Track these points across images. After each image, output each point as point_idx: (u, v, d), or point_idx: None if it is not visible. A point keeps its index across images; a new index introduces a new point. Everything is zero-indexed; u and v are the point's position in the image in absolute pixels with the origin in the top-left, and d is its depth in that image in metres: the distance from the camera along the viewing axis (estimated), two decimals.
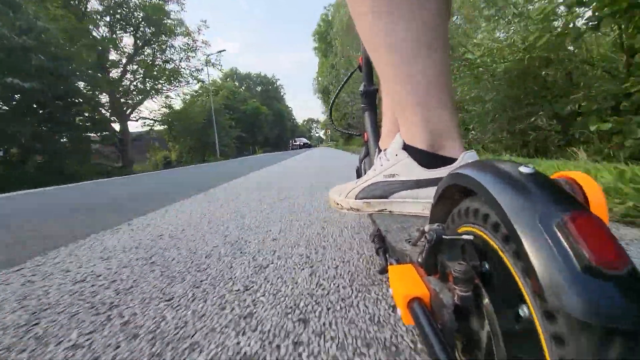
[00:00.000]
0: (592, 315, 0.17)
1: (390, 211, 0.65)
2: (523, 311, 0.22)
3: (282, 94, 60.60)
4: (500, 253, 0.25)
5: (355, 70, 1.16)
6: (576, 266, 0.18)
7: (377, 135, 1.01)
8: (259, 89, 54.43)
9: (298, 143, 42.51)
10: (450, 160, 0.57)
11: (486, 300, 0.27)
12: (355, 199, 0.71)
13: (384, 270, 0.56)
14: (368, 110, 1.09)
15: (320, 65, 22.19)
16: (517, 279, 0.23)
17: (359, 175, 1.12)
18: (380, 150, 0.85)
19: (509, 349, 0.24)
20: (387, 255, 0.57)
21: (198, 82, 20.91)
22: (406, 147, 0.61)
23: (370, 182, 0.69)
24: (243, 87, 49.27)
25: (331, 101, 1.29)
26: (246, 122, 36.73)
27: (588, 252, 0.17)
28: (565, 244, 0.18)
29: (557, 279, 0.18)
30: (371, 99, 1.09)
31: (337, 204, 0.77)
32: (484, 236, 0.28)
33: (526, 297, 0.22)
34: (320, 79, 23.10)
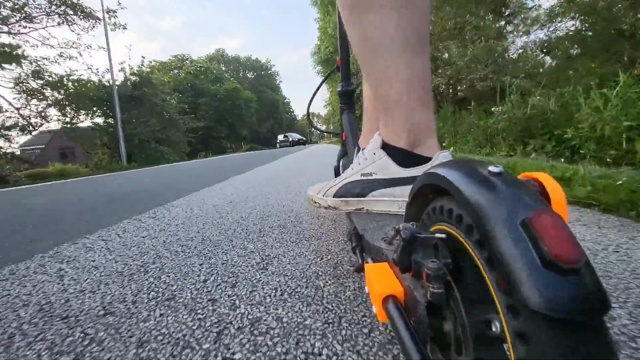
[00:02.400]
0: (550, 308, 0.18)
1: (367, 209, 0.66)
2: (490, 306, 0.23)
3: (277, 82, 49.84)
4: (470, 250, 0.26)
5: (334, 71, 1.16)
6: (537, 261, 0.19)
7: (355, 134, 1.02)
8: (250, 75, 45.32)
9: (289, 139, 31.18)
10: (426, 160, 0.59)
11: (457, 297, 0.28)
12: (334, 197, 0.71)
13: (360, 269, 0.56)
14: (346, 109, 1.10)
15: (322, 29, 18.59)
16: (484, 274, 0.24)
17: (337, 174, 1.12)
18: (359, 149, 0.85)
19: (476, 344, 0.25)
20: (363, 254, 0.58)
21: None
22: (385, 146, 0.62)
23: (348, 180, 0.69)
24: (227, 73, 40.65)
25: (309, 99, 1.29)
26: (219, 109, 28.82)
27: (548, 248, 0.18)
28: (528, 240, 0.19)
29: (520, 274, 0.19)
30: (349, 98, 1.10)
31: (315, 202, 0.77)
32: (455, 234, 0.29)
33: (493, 292, 0.23)
34: (321, 47, 19.49)
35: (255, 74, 45.80)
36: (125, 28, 13.27)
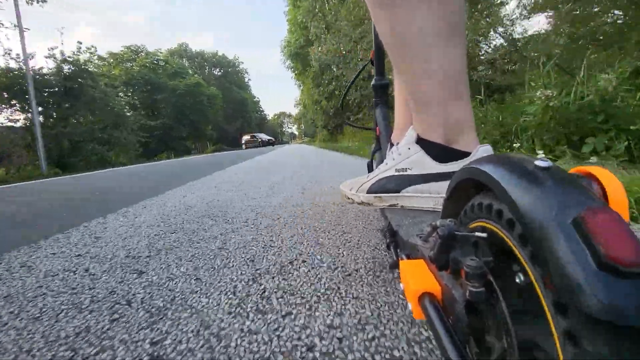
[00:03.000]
0: (606, 313, 0.16)
1: (401, 206, 0.65)
2: (536, 308, 0.22)
3: (246, 79, 46.19)
4: (514, 249, 0.25)
5: (368, 64, 1.15)
6: (591, 263, 0.17)
7: (388, 129, 1.00)
8: (217, 72, 41.28)
9: (257, 139, 27.94)
10: (464, 154, 0.56)
11: (499, 297, 0.27)
12: (367, 193, 0.70)
13: (395, 265, 0.56)
14: (380, 104, 1.08)
15: (292, 21, 16.15)
16: (531, 276, 0.23)
17: (370, 170, 1.11)
18: (392, 145, 0.84)
19: (521, 346, 0.24)
20: (398, 250, 0.57)
21: None
22: (419, 141, 0.60)
23: (381, 176, 0.68)
24: (191, 69, 36.79)
25: (343, 95, 1.29)
26: (178, 106, 25.68)
27: (604, 248, 0.17)
28: (580, 240, 0.18)
29: (572, 276, 0.18)
30: (383, 92, 1.08)
31: (349, 198, 0.77)
32: (498, 232, 0.28)
33: (539, 294, 0.22)
34: (291, 40, 17.00)
35: (222, 71, 42.04)
36: (44, 1, 10.65)
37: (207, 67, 41.00)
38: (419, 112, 0.59)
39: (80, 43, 14.38)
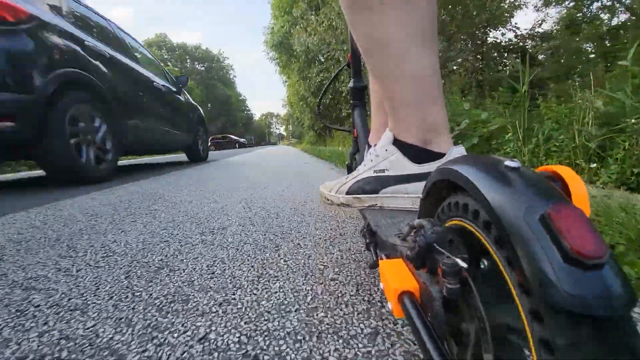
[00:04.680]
0: (573, 304, 0.17)
1: (380, 206, 0.66)
2: (509, 302, 0.23)
3: (231, 76, 42.73)
4: (487, 246, 0.26)
5: (344, 67, 1.16)
6: (558, 257, 0.18)
7: (366, 130, 1.01)
8: (199, 67, 38.38)
9: (228, 140, 24.10)
10: (439, 155, 0.58)
11: (474, 293, 0.28)
12: (346, 194, 0.71)
13: (374, 265, 0.56)
14: (357, 106, 1.09)
15: (275, 4, 14.61)
16: (503, 271, 0.24)
17: (349, 171, 1.12)
18: (369, 146, 0.85)
19: (496, 340, 0.25)
20: (377, 250, 0.58)
21: None
22: (396, 142, 0.62)
23: (360, 177, 0.69)
24: (170, 61, 33.19)
25: (319, 98, 1.29)
26: None
27: (569, 243, 0.18)
28: (548, 236, 0.19)
29: (541, 270, 0.19)
30: (360, 95, 1.09)
31: (327, 200, 0.78)
32: (472, 230, 0.29)
33: (512, 288, 0.23)
34: (275, 27, 14.84)
35: (205, 65, 38.76)
36: None
37: (188, 61, 37.71)
38: (395, 115, 0.60)
39: None
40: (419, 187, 0.58)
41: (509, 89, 3.12)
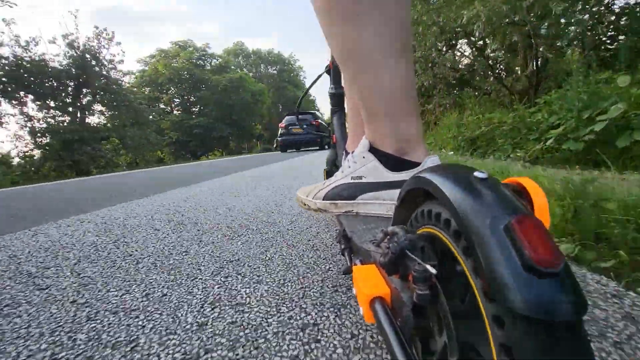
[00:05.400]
0: (531, 309, 0.18)
1: (356, 212, 0.66)
2: (474, 308, 0.24)
3: (301, 78, 41.77)
4: (455, 253, 0.27)
5: (323, 73, 1.17)
6: (518, 265, 0.19)
7: (345, 137, 1.02)
8: (272, 70, 38.32)
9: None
10: (415, 164, 0.60)
11: (442, 299, 0.28)
12: (323, 199, 0.71)
13: (348, 271, 0.57)
14: (337, 112, 1.10)
15: None
16: (469, 277, 0.25)
17: (328, 177, 1.13)
18: (347, 153, 0.86)
19: (461, 345, 0.26)
20: (352, 256, 0.58)
21: None
22: (373, 150, 0.63)
23: (337, 183, 0.70)
24: (245, 67, 34.80)
25: (298, 102, 1.30)
26: (221, 104, 23.63)
27: (529, 252, 0.19)
28: (510, 245, 0.20)
29: (502, 277, 0.20)
30: (339, 101, 1.10)
31: (305, 204, 0.78)
32: (442, 237, 0.30)
33: (477, 294, 0.24)
34: None
35: (277, 68, 38.76)
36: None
37: (262, 65, 38.14)
38: (370, 123, 0.62)
39: (97, 28, 12.49)
40: (394, 194, 0.60)
41: None
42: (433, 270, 0.28)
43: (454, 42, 6.74)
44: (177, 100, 25.06)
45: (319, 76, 1.22)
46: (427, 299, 0.28)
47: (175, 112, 23.67)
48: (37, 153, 10.84)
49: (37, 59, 10.62)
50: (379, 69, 0.54)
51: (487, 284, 0.21)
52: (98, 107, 12.58)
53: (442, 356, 0.28)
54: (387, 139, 0.60)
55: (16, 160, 10.49)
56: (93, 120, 12.57)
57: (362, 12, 0.51)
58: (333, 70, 1.09)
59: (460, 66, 6.94)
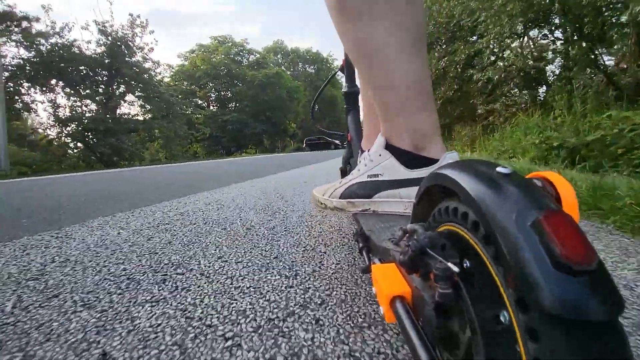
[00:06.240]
0: (562, 309, 0.17)
1: (373, 210, 0.66)
2: (500, 307, 0.23)
3: (339, 77, 41.17)
4: (479, 251, 0.26)
5: (337, 72, 1.16)
6: (548, 263, 0.18)
7: (360, 135, 1.02)
8: (310, 69, 37.73)
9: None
10: (433, 161, 0.58)
11: (465, 297, 0.28)
12: (340, 198, 0.71)
13: (367, 270, 0.56)
14: (351, 110, 1.10)
15: None
16: (494, 276, 0.24)
17: (343, 175, 1.12)
18: (363, 151, 0.85)
19: (486, 344, 0.25)
20: (370, 255, 0.58)
21: None
22: (389, 147, 0.62)
23: (354, 182, 0.69)
24: (283, 65, 34.66)
25: (313, 100, 1.30)
26: (256, 100, 23.23)
27: (559, 249, 0.18)
28: (538, 242, 0.19)
29: (531, 276, 0.19)
30: (354, 100, 1.10)
31: (321, 204, 0.78)
32: (464, 235, 0.29)
33: (503, 293, 0.23)
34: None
35: (315, 67, 38.04)
36: None
37: (299, 64, 38.06)
38: (386, 121, 0.61)
39: (132, 15, 12.32)
40: (412, 192, 0.59)
41: None
42: (455, 269, 0.27)
43: (541, 24, 5.04)
44: (213, 95, 25.12)
45: (333, 75, 1.22)
46: (451, 297, 0.27)
47: (211, 107, 23.65)
48: (64, 142, 10.86)
49: (69, 45, 10.66)
50: (393, 66, 0.54)
51: (514, 283, 0.21)
52: (129, 97, 12.45)
53: (466, 356, 0.27)
54: (403, 135, 0.59)
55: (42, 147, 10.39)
56: (123, 110, 12.44)
57: (374, 9, 0.51)
58: (346, 69, 1.08)
59: (548, 54, 5.38)
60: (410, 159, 0.60)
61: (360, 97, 1.03)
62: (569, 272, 0.18)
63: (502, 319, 0.23)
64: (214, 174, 4.12)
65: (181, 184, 2.98)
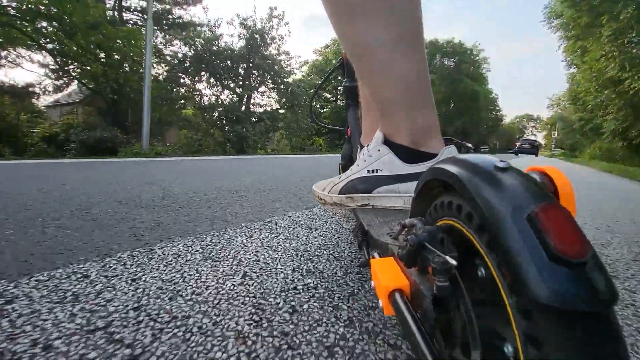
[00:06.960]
0: (558, 300, 0.18)
1: (372, 205, 0.66)
2: (497, 299, 0.23)
3: (484, 71, 36.63)
4: (476, 244, 0.26)
5: (337, 67, 1.16)
6: (543, 255, 0.19)
7: (359, 130, 1.02)
8: (450, 62, 34.17)
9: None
10: (431, 156, 0.59)
11: (463, 290, 0.28)
12: (339, 193, 0.71)
13: (366, 264, 0.57)
14: (351, 105, 1.09)
15: None
16: (491, 269, 0.24)
17: (343, 171, 1.13)
18: (362, 146, 0.85)
19: (484, 337, 0.26)
20: (369, 249, 0.58)
21: None
22: (388, 143, 0.62)
23: (353, 177, 0.69)
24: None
25: (312, 95, 1.30)
26: None
27: (554, 242, 0.18)
28: (534, 235, 0.20)
29: (527, 268, 0.19)
30: (354, 94, 1.09)
31: (321, 199, 0.78)
32: (461, 228, 0.29)
33: (499, 286, 0.23)
34: None
35: (455, 60, 34.26)
36: None
37: (437, 56, 34.30)
38: (384, 116, 0.61)
39: (273, 9, 12.76)
40: (410, 186, 0.59)
41: None
42: (453, 262, 0.27)
43: None
44: (340, 88, 25.33)
45: (333, 69, 1.21)
46: (448, 290, 0.27)
47: (338, 101, 23.52)
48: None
49: (216, 39, 11.85)
50: (391, 63, 0.54)
51: (510, 275, 0.21)
52: (261, 88, 13.14)
53: (464, 348, 0.28)
54: (401, 131, 0.59)
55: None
56: (255, 101, 13.08)
57: (371, 7, 0.51)
58: (347, 64, 1.08)
59: None
60: (408, 154, 0.60)
61: (360, 92, 1.03)
62: (564, 264, 0.18)
63: (498, 311, 0.23)
64: None
65: None
